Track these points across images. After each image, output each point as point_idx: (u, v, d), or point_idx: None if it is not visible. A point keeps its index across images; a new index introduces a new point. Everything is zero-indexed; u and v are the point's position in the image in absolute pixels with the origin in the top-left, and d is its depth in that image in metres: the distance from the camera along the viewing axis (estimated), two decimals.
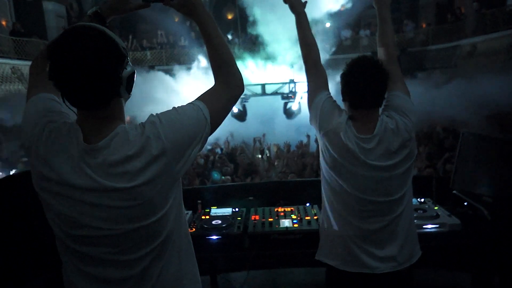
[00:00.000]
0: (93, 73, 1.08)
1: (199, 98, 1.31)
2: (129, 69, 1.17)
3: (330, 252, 1.85)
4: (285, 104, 11.42)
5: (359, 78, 1.72)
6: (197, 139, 1.24)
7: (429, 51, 16.07)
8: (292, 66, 12.35)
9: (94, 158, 1.13)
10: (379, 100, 1.77)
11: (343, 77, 1.80)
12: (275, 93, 11.40)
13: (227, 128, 9.28)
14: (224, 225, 2.52)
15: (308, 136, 8.00)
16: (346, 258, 1.78)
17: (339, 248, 1.81)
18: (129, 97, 1.25)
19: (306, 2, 2.03)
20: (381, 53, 1.97)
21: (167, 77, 12.90)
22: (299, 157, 7.11)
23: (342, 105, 1.89)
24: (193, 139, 1.22)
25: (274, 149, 8.20)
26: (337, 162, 1.75)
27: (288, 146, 7.83)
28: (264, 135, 8.85)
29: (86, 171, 1.12)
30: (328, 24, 12.91)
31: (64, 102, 1.16)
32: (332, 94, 1.90)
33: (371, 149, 1.71)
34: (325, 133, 1.79)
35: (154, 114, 1.21)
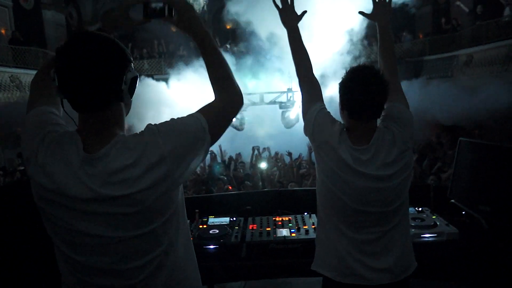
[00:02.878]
0: (97, 72, 1.10)
1: (198, 110, 1.32)
2: (132, 72, 1.19)
3: (325, 262, 1.83)
4: (283, 113, 11.44)
5: (359, 89, 1.67)
6: (196, 147, 1.23)
7: (427, 61, 16.19)
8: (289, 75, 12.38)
9: (94, 167, 1.13)
10: (379, 112, 1.74)
11: (342, 86, 1.75)
12: (273, 102, 11.43)
13: (225, 137, 9.25)
14: (221, 235, 2.51)
15: (309, 147, 8.00)
16: (341, 269, 1.75)
17: (334, 258, 1.78)
18: (130, 103, 1.26)
19: (302, 14, 2.00)
20: (381, 65, 1.96)
21: (165, 86, 12.92)
22: (296, 168, 7.11)
23: (337, 114, 1.86)
24: (192, 146, 1.22)
25: (271, 158, 8.21)
26: (332, 172, 1.73)
27: (281, 156, 7.86)
28: (268, 148, 8.89)
29: (85, 181, 1.12)
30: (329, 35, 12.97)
31: (63, 107, 1.18)
32: (335, 102, 1.87)
33: (366, 160, 1.69)
34: (319, 145, 1.78)
35: (152, 124, 1.22)
